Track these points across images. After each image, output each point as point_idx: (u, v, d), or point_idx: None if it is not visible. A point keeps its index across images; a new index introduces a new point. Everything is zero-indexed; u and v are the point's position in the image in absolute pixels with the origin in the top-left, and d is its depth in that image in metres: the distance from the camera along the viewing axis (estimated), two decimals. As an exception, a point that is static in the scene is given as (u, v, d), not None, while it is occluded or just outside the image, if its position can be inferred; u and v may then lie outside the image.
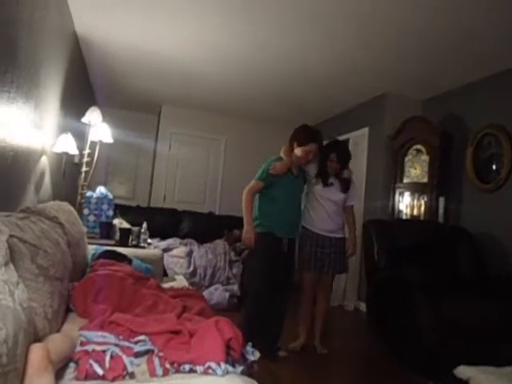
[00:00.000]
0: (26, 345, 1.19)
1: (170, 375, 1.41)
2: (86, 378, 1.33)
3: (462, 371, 1.94)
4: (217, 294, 4.57)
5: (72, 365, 1.41)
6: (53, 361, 1.25)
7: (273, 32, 3.77)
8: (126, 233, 3.56)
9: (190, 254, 5.00)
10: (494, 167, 4.09)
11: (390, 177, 5.01)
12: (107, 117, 4.37)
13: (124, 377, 1.36)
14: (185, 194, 6.79)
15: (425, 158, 4.68)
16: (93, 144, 4.09)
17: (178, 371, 1.42)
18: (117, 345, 1.50)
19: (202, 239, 5.49)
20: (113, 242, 3.48)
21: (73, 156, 3.97)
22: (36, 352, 1.21)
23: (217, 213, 6.65)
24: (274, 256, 3.11)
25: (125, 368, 1.38)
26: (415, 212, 4.74)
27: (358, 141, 5.68)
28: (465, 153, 4.38)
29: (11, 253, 1.39)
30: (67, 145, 3.42)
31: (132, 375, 1.39)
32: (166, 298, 2.15)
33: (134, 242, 3.58)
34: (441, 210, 4.45)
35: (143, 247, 3.56)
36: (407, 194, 4.88)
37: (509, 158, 3.87)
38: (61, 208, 2.38)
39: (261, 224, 3.18)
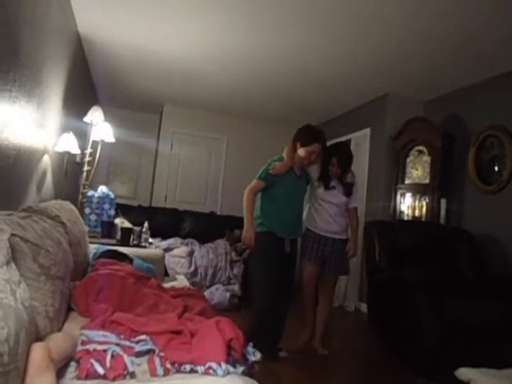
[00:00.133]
0: (28, 344, 1.19)
1: (170, 375, 1.41)
2: (87, 377, 1.33)
3: (463, 373, 1.93)
4: (218, 294, 4.57)
5: (73, 364, 1.41)
6: (54, 360, 1.25)
7: (275, 32, 3.77)
8: (127, 232, 3.57)
9: (191, 253, 5.00)
10: (496, 168, 4.08)
11: (392, 178, 5.01)
12: (109, 116, 4.38)
13: (125, 376, 1.36)
14: (186, 194, 6.80)
15: (426, 158, 4.67)
16: (95, 143, 4.09)
17: (178, 371, 1.42)
18: (118, 344, 1.51)
19: (203, 239, 5.49)
20: (114, 242, 3.49)
21: (75, 155, 3.97)
22: (37, 351, 1.21)
23: (218, 213, 6.65)
24: (275, 256, 3.11)
25: (125, 367, 1.39)
26: (417, 213, 4.73)
27: (360, 141, 5.67)
28: (467, 154, 4.38)
29: (13, 252, 1.39)
30: (69, 144, 3.42)
31: (133, 375, 1.39)
32: (167, 297, 2.16)
33: (135, 242, 3.58)
34: (442, 212, 4.44)
35: (144, 247, 3.56)
36: (409, 195, 4.87)
37: (511, 159, 3.86)
38: (62, 207, 2.38)
39: (262, 223, 3.18)
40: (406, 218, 4.84)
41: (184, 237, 5.59)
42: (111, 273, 2.18)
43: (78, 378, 1.33)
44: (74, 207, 2.69)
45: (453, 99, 4.78)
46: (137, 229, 3.66)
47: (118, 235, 3.61)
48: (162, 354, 1.49)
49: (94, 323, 1.67)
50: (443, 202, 4.46)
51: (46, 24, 2.89)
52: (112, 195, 4.09)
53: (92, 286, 2.03)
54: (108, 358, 1.40)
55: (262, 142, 7.06)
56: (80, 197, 4.07)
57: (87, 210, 3.92)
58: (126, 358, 1.43)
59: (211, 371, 1.38)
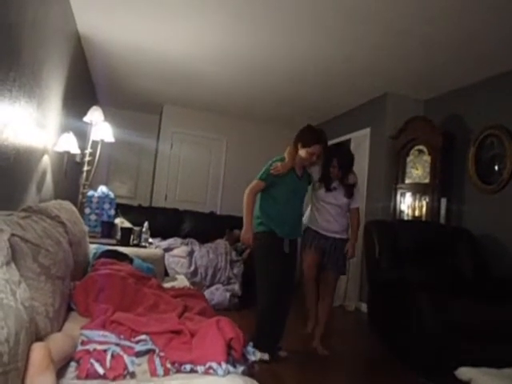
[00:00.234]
0: (28, 344, 1.19)
1: (170, 375, 1.41)
2: (87, 377, 1.33)
3: (464, 372, 1.93)
4: (218, 293, 4.57)
5: (73, 364, 1.41)
6: (54, 360, 1.25)
7: (275, 32, 3.77)
8: (127, 232, 3.57)
9: (191, 253, 5.00)
10: (496, 168, 4.08)
11: (392, 177, 5.01)
12: (109, 116, 4.38)
13: (125, 376, 1.36)
14: (186, 194, 6.80)
15: (426, 158, 4.67)
16: (94, 143, 4.09)
17: (178, 371, 1.42)
18: (118, 344, 1.50)
19: (203, 239, 5.49)
20: (114, 242, 3.48)
21: (74, 155, 3.98)
22: (37, 351, 1.21)
23: (218, 212, 6.65)
24: (276, 256, 3.11)
25: (126, 367, 1.38)
26: (417, 213, 4.73)
27: (360, 141, 5.67)
28: (467, 153, 4.38)
29: (13, 252, 1.39)
30: (69, 144, 3.42)
31: (133, 375, 1.39)
32: (167, 297, 2.16)
33: (135, 242, 3.58)
34: (442, 211, 4.44)
35: (144, 247, 3.56)
36: (409, 195, 4.87)
37: (511, 158, 3.86)
38: (62, 207, 2.38)
39: (262, 223, 3.18)
40: (406, 218, 4.84)
41: (184, 237, 5.58)
42: (111, 273, 2.18)
43: (78, 377, 1.33)
44: (73, 207, 2.69)
45: (453, 98, 4.78)
46: (137, 229, 3.66)
47: (118, 235, 3.61)
48: (162, 353, 1.49)
49: (94, 323, 1.67)
50: (443, 201, 4.46)
51: (46, 24, 2.89)
52: (112, 195, 4.09)
53: (92, 286, 2.03)
54: (108, 358, 1.40)
55: (262, 142, 7.07)
56: (80, 197, 4.07)
57: (87, 210, 3.93)
58: (126, 358, 1.42)
59: (211, 371, 1.38)
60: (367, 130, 5.50)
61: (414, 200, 4.79)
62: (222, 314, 1.85)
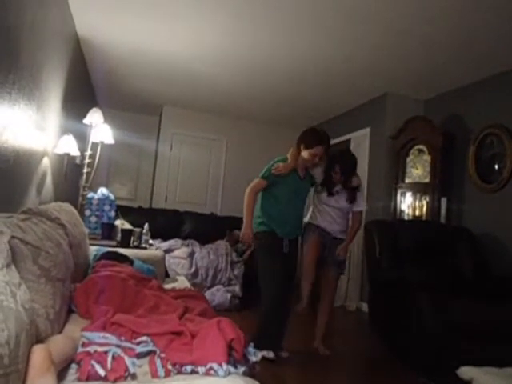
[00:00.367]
0: (28, 346, 1.19)
1: (171, 376, 1.40)
2: (88, 379, 1.33)
3: (465, 372, 1.93)
4: (218, 294, 4.57)
5: (74, 366, 1.41)
6: (55, 362, 1.25)
7: (274, 32, 3.78)
8: (127, 234, 3.57)
9: (191, 254, 4.99)
10: (496, 167, 4.08)
11: (392, 177, 5.01)
12: (108, 118, 4.38)
13: (126, 378, 1.36)
14: (186, 195, 6.80)
15: (426, 158, 4.67)
16: (94, 145, 4.10)
17: (179, 372, 1.42)
18: (118, 346, 1.50)
19: (203, 240, 5.49)
20: (114, 243, 3.48)
21: (74, 157, 3.97)
22: (38, 353, 1.21)
23: (218, 214, 6.65)
24: (276, 255, 3.12)
25: (126, 369, 1.38)
26: (417, 212, 4.73)
27: (360, 141, 5.68)
28: (467, 153, 4.38)
29: (13, 254, 1.39)
30: (69, 146, 3.43)
31: (134, 376, 1.38)
32: (167, 299, 2.15)
33: (135, 243, 3.58)
34: (443, 211, 4.44)
35: (145, 248, 3.56)
36: (409, 195, 4.87)
37: (511, 157, 3.86)
38: (62, 209, 2.38)
39: (262, 223, 3.19)
40: (406, 218, 4.84)
41: (184, 238, 5.58)
42: (112, 274, 2.18)
43: (79, 379, 1.33)
44: (74, 209, 2.69)
45: (452, 98, 4.79)
46: (137, 230, 3.65)
47: (119, 237, 3.61)
48: (162, 355, 1.49)
49: (94, 325, 1.67)
50: (443, 200, 4.46)
51: (45, 26, 2.89)
52: (112, 197, 4.09)
53: (92, 288, 2.03)
54: (109, 359, 1.40)
55: (262, 142, 7.08)
56: (80, 199, 4.07)
57: (87, 212, 3.92)
58: (127, 360, 1.42)
59: (212, 372, 1.38)
60: (367, 130, 5.51)
61: (415, 200, 4.79)
62: (223, 314, 1.85)
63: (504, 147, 3.96)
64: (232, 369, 1.41)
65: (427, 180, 4.63)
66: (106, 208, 3.98)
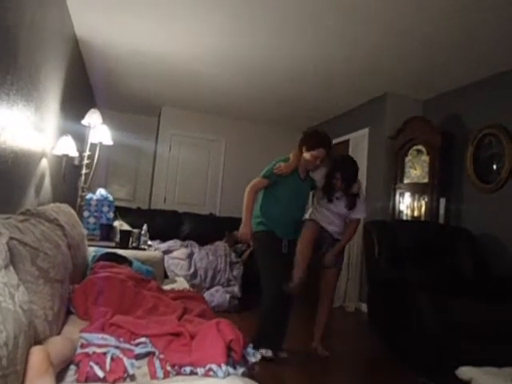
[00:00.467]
0: (27, 347, 1.19)
1: (170, 377, 1.40)
2: (87, 380, 1.32)
3: (464, 372, 1.93)
4: (217, 295, 4.56)
5: (72, 367, 1.41)
6: (53, 363, 1.25)
7: (274, 32, 3.77)
8: (126, 235, 3.56)
9: (190, 255, 4.99)
10: (494, 167, 4.08)
11: (391, 177, 5.01)
12: (107, 119, 4.37)
13: (125, 379, 1.36)
14: (185, 196, 6.79)
15: (425, 158, 4.67)
16: (93, 146, 4.09)
17: (178, 373, 1.42)
18: (117, 347, 1.50)
19: (202, 241, 5.48)
20: (113, 244, 3.48)
21: (73, 158, 3.97)
22: (36, 354, 1.21)
23: (217, 214, 6.65)
24: (276, 255, 3.12)
25: (125, 370, 1.38)
26: (416, 213, 4.73)
27: (359, 141, 5.68)
28: (465, 153, 4.38)
29: (11, 255, 1.39)
30: (67, 147, 3.42)
31: (132, 377, 1.38)
32: (166, 300, 2.15)
33: (134, 244, 3.57)
34: (441, 211, 4.45)
35: (144, 249, 3.55)
36: (408, 195, 4.87)
37: (509, 157, 3.87)
38: (61, 210, 2.37)
39: (261, 223, 3.19)
40: (405, 218, 4.85)
41: (183, 239, 5.58)
42: (110, 275, 2.18)
43: (78, 381, 1.33)
44: (72, 210, 2.69)
45: (451, 98, 4.79)
46: (136, 231, 3.65)
47: (117, 238, 3.60)
48: (161, 356, 1.48)
49: (93, 326, 1.67)
50: (442, 201, 4.46)
51: (44, 27, 2.89)
52: (111, 198, 4.08)
53: (91, 289, 2.03)
54: (108, 360, 1.40)
55: (261, 142, 7.08)
56: (79, 200, 4.07)
57: (86, 213, 3.92)
58: (126, 361, 1.42)
59: (211, 373, 1.38)
60: (366, 130, 5.51)
61: (413, 200, 4.79)
62: (222, 315, 1.85)
63: (502, 147, 3.96)
64: (231, 370, 1.41)
65: (426, 180, 4.63)
66: (105, 209, 3.98)
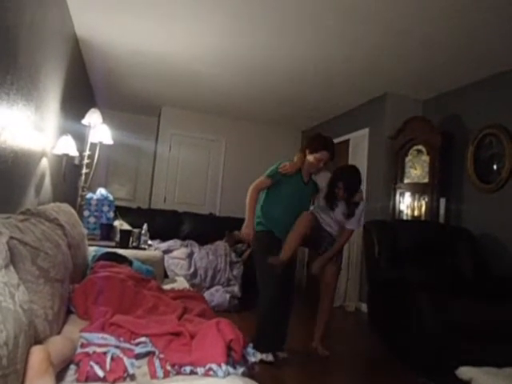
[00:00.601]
0: (27, 347, 1.19)
1: (170, 377, 1.40)
2: (87, 379, 1.33)
3: (464, 372, 1.93)
4: (217, 295, 4.57)
5: (73, 367, 1.41)
6: (53, 363, 1.25)
7: (274, 32, 3.77)
8: (126, 234, 3.56)
9: (190, 255, 4.99)
10: (494, 167, 4.08)
11: (391, 177, 5.01)
12: (107, 119, 4.37)
13: (125, 379, 1.36)
14: (185, 196, 6.80)
15: (425, 158, 4.67)
16: (93, 146, 4.09)
17: (178, 373, 1.42)
18: (117, 346, 1.50)
19: (202, 241, 5.48)
20: (113, 244, 3.48)
21: (73, 158, 3.97)
22: (37, 354, 1.21)
23: (217, 214, 6.65)
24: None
25: (125, 370, 1.38)
26: (416, 212, 4.73)
27: (359, 141, 5.67)
28: (465, 153, 4.38)
29: (11, 255, 1.39)
30: (67, 146, 3.42)
31: (133, 377, 1.38)
32: (166, 299, 2.15)
33: (134, 244, 3.57)
34: (442, 211, 4.45)
35: (144, 249, 3.55)
36: (408, 195, 4.87)
37: (510, 157, 3.86)
38: (61, 210, 2.37)
39: (260, 223, 3.20)
40: (405, 218, 4.85)
41: (183, 238, 5.58)
42: (110, 275, 2.18)
43: (78, 380, 1.33)
44: (72, 210, 2.69)
45: (451, 98, 4.79)
46: (136, 231, 3.65)
47: (117, 237, 3.61)
48: (161, 355, 1.48)
49: (93, 326, 1.67)
50: (442, 201, 4.46)
51: (44, 27, 2.89)
52: (111, 197, 4.08)
53: (91, 289, 2.03)
54: (108, 360, 1.40)
55: (261, 142, 7.09)
56: (79, 199, 4.07)
57: (86, 213, 3.92)
58: (126, 361, 1.42)
59: (211, 372, 1.38)
60: (366, 130, 5.50)
61: (413, 200, 4.79)
62: (222, 315, 1.85)
63: (503, 147, 3.96)
64: (231, 369, 1.41)
65: (426, 180, 4.63)
66: (105, 209, 3.98)
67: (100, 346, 1.49)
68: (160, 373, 1.40)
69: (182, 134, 6.83)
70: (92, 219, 3.92)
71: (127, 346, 1.53)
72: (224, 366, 1.39)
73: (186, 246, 5.26)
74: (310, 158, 3.23)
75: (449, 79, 4.52)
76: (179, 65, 4.78)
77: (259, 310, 3.17)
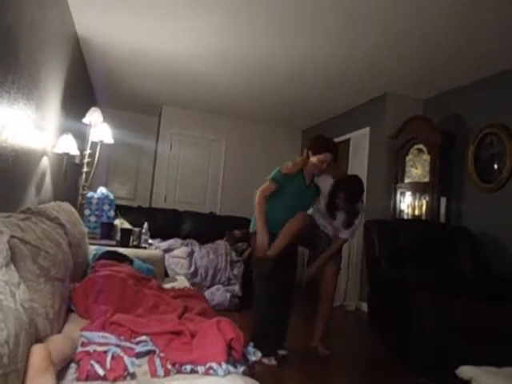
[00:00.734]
0: (28, 345, 1.19)
1: (171, 376, 1.40)
2: (87, 378, 1.33)
3: (464, 371, 1.93)
4: (218, 294, 4.57)
5: (73, 365, 1.41)
6: (54, 362, 1.25)
7: (274, 32, 3.77)
8: (127, 233, 3.56)
9: (191, 254, 4.99)
10: (495, 166, 4.08)
11: (391, 177, 5.01)
12: (108, 118, 4.38)
13: (125, 377, 1.36)
14: (186, 195, 6.80)
15: (426, 157, 4.67)
16: (94, 144, 4.09)
17: (179, 372, 1.42)
18: (118, 345, 1.50)
19: (203, 240, 5.48)
20: (114, 243, 3.48)
21: (74, 157, 3.97)
22: (37, 353, 1.21)
23: (218, 213, 6.64)
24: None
25: (126, 368, 1.38)
26: (417, 212, 4.73)
27: (359, 141, 5.67)
28: (466, 152, 4.38)
29: (12, 254, 1.39)
30: (68, 145, 3.42)
31: (133, 376, 1.38)
32: (167, 298, 2.15)
33: (135, 243, 3.57)
34: (442, 210, 4.45)
35: (144, 248, 3.56)
36: (408, 194, 4.87)
37: (511, 157, 3.86)
38: (62, 209, 2.38)
39: None
40: (405, 217, 4.85)
41: (184, 237, 5.58)
42: (111, 274, 2.18)
43: (79, 379, 1.33)
44: (73, 208, 2.69)
45: (452, 97, 4.79)
46: (136, 230, 3.65)
47: (118, 236, 3.61)
48: (162, 354, 1.48)
49: (93, 324, 1.67)
50: (443, 200, 4.46)
51: (44, 26, 2.89)
52: (111, 196, 4.08)
53: (92, 288, 2.03)
54: (108, 359, 1.40)
55: (261, 142, 7.10)
56: (79, 198, 4.07)
57: (87, 212, 3.92)
58: (127, 359, 1.42)
59: (212, 371, 1.38)
60: (366, 130, 5.50)
61: (414, 199, 4.79)
62: (223, 314, 1.85)
63: (504, 147, 3.96)
64: (231, 368, 1.41)
65: (426, 179, 4.63)
66: (106, 207, 3.98)
67: (100, 344, 1.49)
68: (160, 371, 1.41)
69: (182, 133, 6.83)
70: (93, 218, 3.92)
71: (128, 344, 1.53)
72: (224, 365, 1.39)
73: (187, 244, 5.27)
74: (313, 159, 3.21)
75: (449, 79, 4.52)
76: (180, 64, 4.78)
77: (258, 309, 3.17)
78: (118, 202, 4.47)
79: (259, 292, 3.14)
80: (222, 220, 6.10)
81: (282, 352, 3.20)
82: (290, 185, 3.18)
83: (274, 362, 3.01)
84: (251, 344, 1.62)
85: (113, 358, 1.42)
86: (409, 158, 4.89)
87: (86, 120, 4.05)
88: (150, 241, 3.90)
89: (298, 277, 3.58)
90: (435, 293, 3.05)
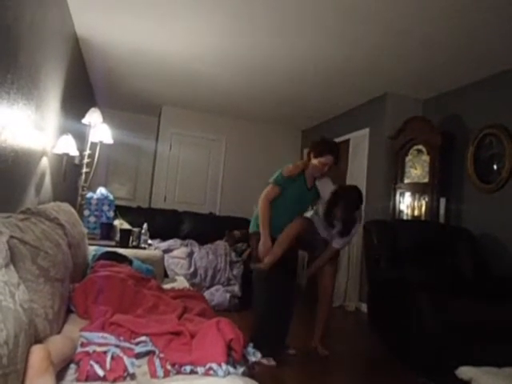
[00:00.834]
0: (27, 346, 1.19)
1: (170, 376, 1.40)
2: (87, 379, 1.32)
3: (464, 372, 1.93)
4: (218, 294, 4.57)
5: (73, 366, 1.41)
6: (53, 362, 1.25)
7: (274, 32, 3.77)
8: (126, 234, 3.56)
9: (190, 254, 4.99)
10: (495, 167, 4.08)
11: (391, 177, 5.01)
12: (107, 118, 4.38)
13: (125, 378, 1.36)
14: (185, 195, 6.80)
15: (425, 158, 4.67)
16: (93, 145, 4.09)
17: (178, 372, 1.42)
18: (117, 346, 1.50)
19: (202, 240, 5.48)
20: (113, 243, 3.47)
21: (73, 157, 3.97)
22: (37, 353, 1.21)
23: (217, 213, 6.64)
24: None
25: (125, 369, 1.38)
26: (416, 212, 4.73)
27: (359, 141, 5.67)
28: (466, 153, 4.38)
29: (12, 254, 1.39)
30: (68, 146, 3.42)
31: (133, 376, 1.38)
32: (166, 298, 2.15)
33: (134, 243, 3.57)
34: (442, 211, 4.44)
35: (144, 248, 3.55)
36: (408, 195, 4.87)
37: (510, 157, 3.86)
38: (61, 209, 2.37)
39: (259, 225, 3.18)
40: (405, 218, 4.84)
41: (183, 238, 5.58)
42: (110, 274, 2.18)
43: (78, 380, 1.33)
44: (72, 209, 2.69)
45: (451, 98, 4.79)
46: (136, 230, 3.65)
47: (117, 237, 3.60)
48: (162, 355, 1.48)
49: (93, 325, 1.67)
50: (442, 201, 4.46)
51: (44, 26, 2.89)
52: (111, 197, 4.08)
53: (91, 288, 2.03)
54: (108, 359, 1.40)
55: (261, 142, 7.10)
56: (79, 198, 4.07)
57: (86, 212, 3.92)
58: (126, 360, 1.42)
59: (211, 372, 1.38)
60: (366, 130, 5.50)
61: (414, 200, 4.79)
62: (222, 314, 1.84)
63: (503, 147, 3.96)
64: (231, 369, 1.41)
65: (426, 180, 4.63)
66: (105, 208, 3.98)
67: (100, 345, 1.49)
68: (160, 372, 1.40)
69: (182, 133, 6.83)
70: (92, 218, 3.92)
71: (127, 345, 1.53)
72: (224, 366, 1.39)
73: (186, 245, 5.27)
74: (315, 161, 3.21)
75: (449, 79, 4.52)
76: (179, 64, 4.78)
77: (257, 310, 3.17)
78: (118, 202, 4.46)
79: (259, 292, 3.15)
80: (221, 220, 6.10)
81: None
82: (291, 187, 3.18)
83: (273, 362, 3.01)
84: (251, 344, 1.62)
85: (112, 358, 1.41)
86: (408, 158, 4.89)
87: (85, 120, 4.05)
88: (150, 241, 3.89)
89: (298, 279, 3.58)
90: (435, 293, 3.05)
